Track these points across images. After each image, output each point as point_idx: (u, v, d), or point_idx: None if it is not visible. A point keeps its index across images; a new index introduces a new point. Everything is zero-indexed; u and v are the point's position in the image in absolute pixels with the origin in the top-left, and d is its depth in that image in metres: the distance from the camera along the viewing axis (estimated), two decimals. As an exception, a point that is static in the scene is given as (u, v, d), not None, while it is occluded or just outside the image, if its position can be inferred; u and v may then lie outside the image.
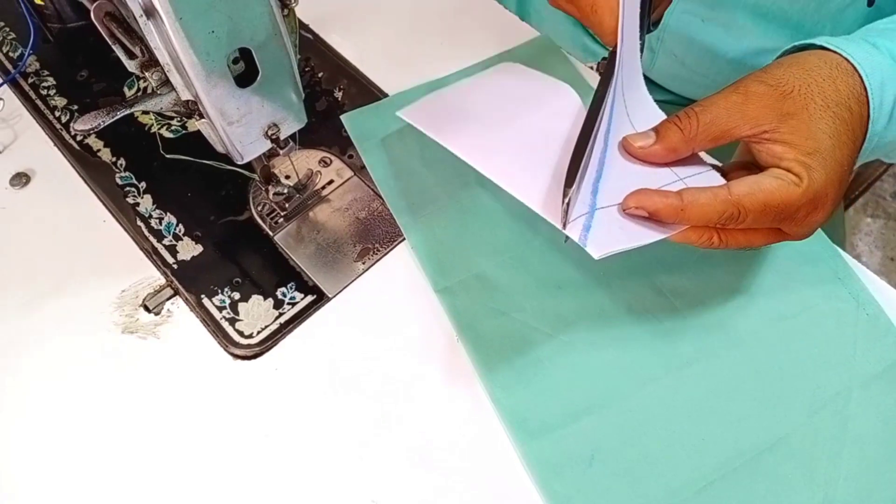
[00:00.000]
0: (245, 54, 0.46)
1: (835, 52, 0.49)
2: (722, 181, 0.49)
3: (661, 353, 0.56)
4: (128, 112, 0.47)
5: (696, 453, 0.52)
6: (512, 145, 0.54)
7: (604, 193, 0.48)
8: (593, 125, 0.49)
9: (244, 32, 0.44)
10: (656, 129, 0.50)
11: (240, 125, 0.49)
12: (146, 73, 0.45)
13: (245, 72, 0.47)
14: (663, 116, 0.52)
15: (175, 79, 0.46)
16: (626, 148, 0.50)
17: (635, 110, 0.53)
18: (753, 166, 0.49)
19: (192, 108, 0.48)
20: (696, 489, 0.51)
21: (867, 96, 0.48)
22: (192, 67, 0.44)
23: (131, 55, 0.45)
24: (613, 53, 0.51)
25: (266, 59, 0.47)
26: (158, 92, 0.47)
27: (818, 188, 0.46)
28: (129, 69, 0.46)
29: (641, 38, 0.53)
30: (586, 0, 0.51)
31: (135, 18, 0.42)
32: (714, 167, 0.51)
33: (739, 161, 0.51)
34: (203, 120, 0.49)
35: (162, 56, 0.44)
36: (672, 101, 0.84)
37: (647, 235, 0.47)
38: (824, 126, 0.46)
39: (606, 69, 0.51)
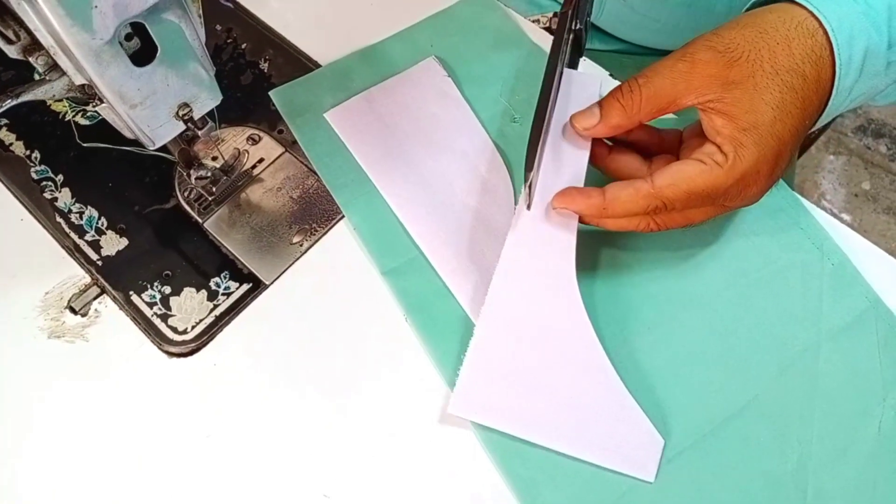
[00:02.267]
0: (140, 29, 0.42)
1: (800, 5, 0.46)
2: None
3: (619, 319, 0.53)
4: (15, 103, 0.42)
5: (662, 424, 0.50)
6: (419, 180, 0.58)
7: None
8: (547, 102, 0.49)
9: (133, 4, 0.40)
10: (600, 104, 0.49)
11: (144, 108, 0.45)
12: (30, 59, 0.41)
13: (142, 49, 0.43)
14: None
15: (63, 62, 0.41)
16: (573, 128, 0.50)
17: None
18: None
19: (88, 93, 0.44)
20: (666, 460, 0.49)
21: (832, 54, 0.46)
22: (79, 48, 0.39)
23: (9, 40, 0.40)
24: (565, 14, 0.50)
25: (163, 33, 0.42)
26: (48, 78, 0.43)
27: (747, 167, 0.45)
28: (11, 55, 0.41)
29: None
30: None
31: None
32: (674, 131, 0.52)
33: (698, 126, 0.49)
34: (104, 104, 0.44)
35: (44, 38, 0.39)
36: (623, 51, 0.80)
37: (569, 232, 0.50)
38: (769, 97, 0.45)
39: (557, 32, 0.50)
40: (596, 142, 0.51)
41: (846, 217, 1.64)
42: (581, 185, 0.50)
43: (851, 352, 0.52)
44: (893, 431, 0.50)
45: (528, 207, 0.49)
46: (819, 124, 0.50)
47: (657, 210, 0.46)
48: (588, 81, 0.54)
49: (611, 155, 0.52)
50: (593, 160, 0.52)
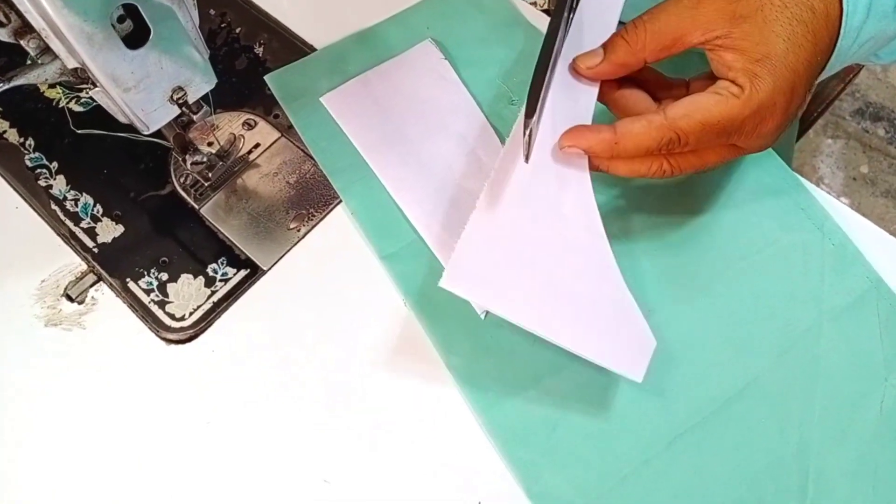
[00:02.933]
0: (132, 11, 0.41)
1: None
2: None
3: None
4: (6, 87, 0.42)
5: (663, 405, 0.49)
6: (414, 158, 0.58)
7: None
8: (550, 52, 0.47)
9: (125, -14, 0.39)
10: (604, 46, 0.48)
11: (138, 91, 0.44)
12: (21, 42, 0.40)
13: (135, 31, 0.42)
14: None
15: (56, 45, 0.41)
16: (576, 70, 0.48)
17: (590, 29, 0.51)
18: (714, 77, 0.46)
19: (82, 77, 0.43)
20: (666, 442, 0.49)
21: None
22: (71, 31, 0.39)
23: (0, 23, 0.40)
24: None
25: (156, 15, 0.42)
26: (40, 61, 0.42)
27: (763, 98, 0.43)
28: (1, 38, 0.41)
29: None
30: None
31: (-3, -21, 0.37)
32: (680, 79, 0.50)
33: (707, 72, 0.48)
34: (97, 89, 0.44)
35: (35, 21, 0.39)
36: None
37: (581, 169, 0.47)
38: (779, 28, 0.43)
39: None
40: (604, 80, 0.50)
41: (844, 200, 1.63)
42: None
43: (853, 332, 0.52)
44: (895, 412, 0.50)
45: (526, 160, 0.46)
46: (830, 70, 0.49)
47: (671, 144, 0.44)
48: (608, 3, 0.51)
49: (619, 90, 0.50)
50: (601, 96, 0.50)
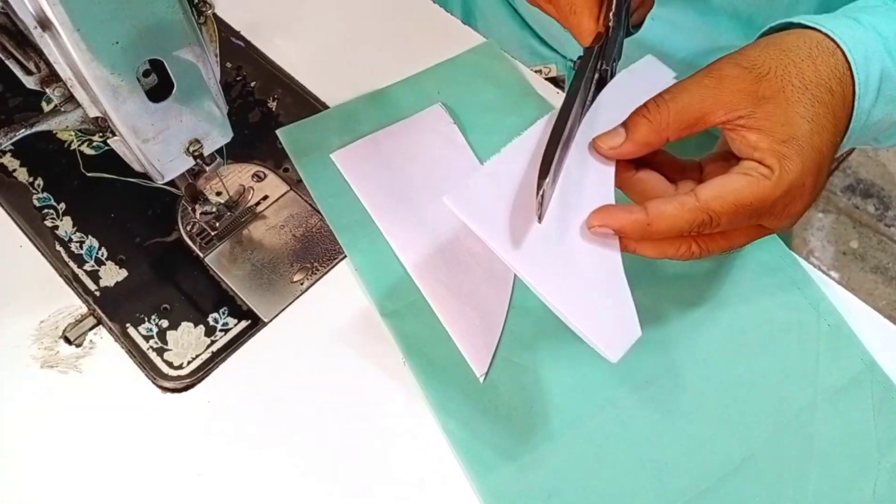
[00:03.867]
0: (157, 65, 0.42)
1: (815, 29, 0.46)
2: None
3: (619, 372, 0.53)
4: (29, 132, 0.42)
5: (659, 479, 0.49)
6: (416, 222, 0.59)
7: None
8: (566, 121, 0.46)
9: (154, 42, 0.40)
10: (625, 125, 0.47)
11: (156, 142, 0.45)
12: (47, 90, 0.41)
13: (158, 84, 0.43)
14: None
15: (80, 94, 0.41)
16: (597, 150, 0.47)
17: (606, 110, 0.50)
18: (732, 157, 0.46)
19: (102, 126, 0.44)
20: (660, 515, 0.49)
21: (851, 74, 0.45)
22: (97, 83, 0.40)
23: (28, 71, 0.40)
24: (589, 53, 0.48)
25: (181, 71, 0.43)
26: (63, 109, 0.43)
27: (793, 178, 0.43)
28: (28, 86, 0.41)
29: (620, 40, 0.50)
30: (566, 0, 0.48)
31: (30, 31, 0.38)
32: (691, 161, 0.49)
33: (718, 152, 0.49)
34: (116, 138, 0.45)
35: (63, 71, 0.40)
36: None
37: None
38: (802, 110, 0.44)
39: (580, 67, 0.49)
40: (620, 162, 0.48)
41: (834, 275, 1.65)
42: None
43: (847, 414, 0.52)
44: (888, 493, 0.50)
45: (539, 220, 0.44)
46: (843, 149, 0.49)
47: (702, 225, 0.44)
48: (653, 69, 0.51)
49: (637, 174, 0.49)
50: (617, 181, 0.48)
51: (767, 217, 0.45)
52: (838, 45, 0.45)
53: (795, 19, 0.48)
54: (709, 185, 0.44)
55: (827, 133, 0.44)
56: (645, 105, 0.46)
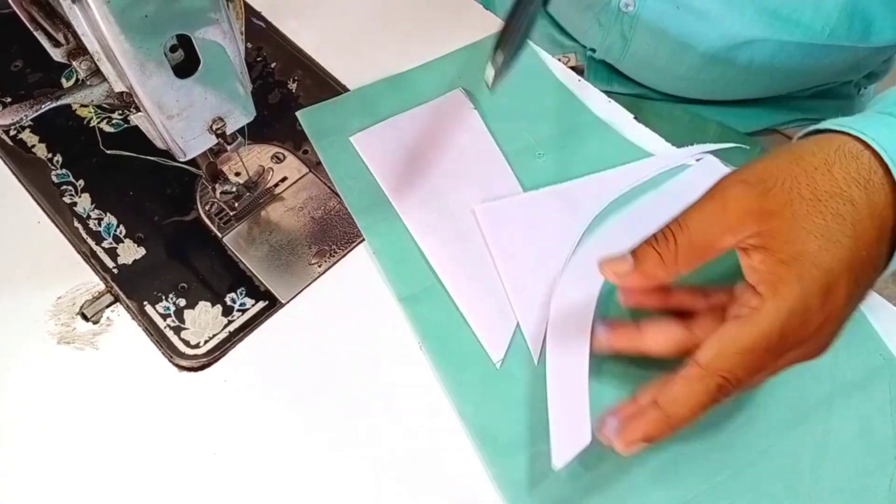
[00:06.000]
0: (184, 42, 0.42)
1: (840, 132, 0.43)
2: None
3: (637, 362, 0.53)
4: (54, 105, 0.42)
5: (677, 468, 0.49)
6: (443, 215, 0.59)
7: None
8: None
9: (182, 18, 0.40)
10: (634, 253, 0.44)
11: (180, 119, 0.45)
12: (74, 63, 0.41)
13: (184, 61, 0.43)
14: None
15: (106, 68, 0.41)
16: (603, 273, 0.45)
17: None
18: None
19: (127, 101, 0.44)
20: (677, 504, 0.48)
21: (886, 175, 0.41)
22: (125, 56, 0.40)
23: (56, 43, 0.40)
24: None
25: (207, 48, 0.43)
26: (88, 83, 0.43)
27: (792, 305, 0.40)
28: (55, 58, 0.41)
29: None
30: None
31: (59, 2, 0.38)
32: (722, 290, 0.46)
33: (725, 287, 0.46)
34: (140, 113, 0.45)
35: (91, 44, 0.40)
36: (644, 95, 0.81)
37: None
38: (810, 225, 0.40)
39: None
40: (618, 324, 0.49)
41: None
42: (592, 307, 0.53)
43: (864, 409, 0.52)
44: (904, 490, 0.50)
45: (489, 88, 0.46)
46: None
47: (722, 389, 0.40)
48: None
49: (640, 332, 0.48)
50: (623, 342, 0.49)
51: (789, 350, 0.42)
52: (867, 146, 0.42)
53: (823, 125, 0.45)
54: (705, 348, 0.41)
55: (841, 248, 0.40)
56: (654, 235, 0.43)
